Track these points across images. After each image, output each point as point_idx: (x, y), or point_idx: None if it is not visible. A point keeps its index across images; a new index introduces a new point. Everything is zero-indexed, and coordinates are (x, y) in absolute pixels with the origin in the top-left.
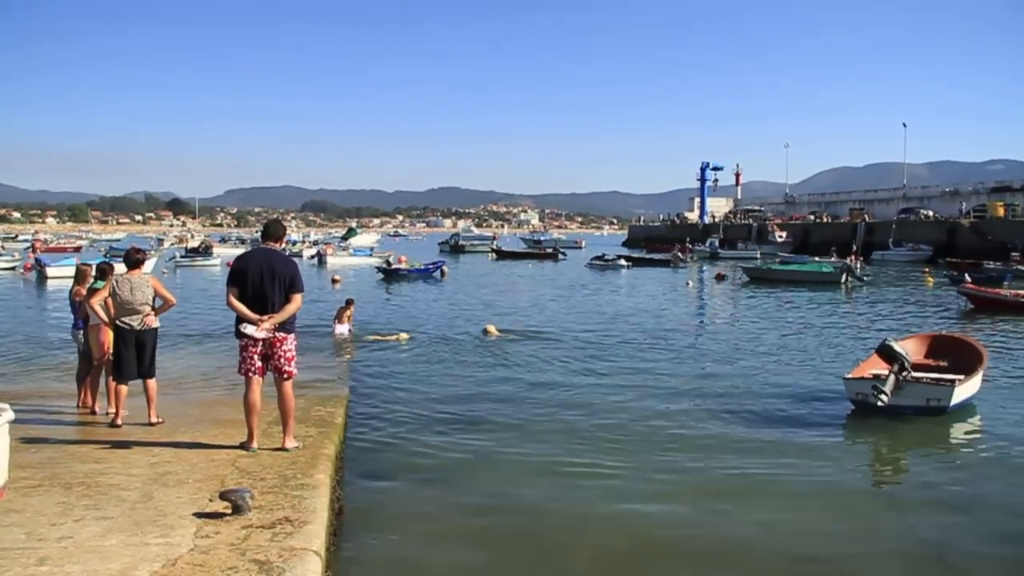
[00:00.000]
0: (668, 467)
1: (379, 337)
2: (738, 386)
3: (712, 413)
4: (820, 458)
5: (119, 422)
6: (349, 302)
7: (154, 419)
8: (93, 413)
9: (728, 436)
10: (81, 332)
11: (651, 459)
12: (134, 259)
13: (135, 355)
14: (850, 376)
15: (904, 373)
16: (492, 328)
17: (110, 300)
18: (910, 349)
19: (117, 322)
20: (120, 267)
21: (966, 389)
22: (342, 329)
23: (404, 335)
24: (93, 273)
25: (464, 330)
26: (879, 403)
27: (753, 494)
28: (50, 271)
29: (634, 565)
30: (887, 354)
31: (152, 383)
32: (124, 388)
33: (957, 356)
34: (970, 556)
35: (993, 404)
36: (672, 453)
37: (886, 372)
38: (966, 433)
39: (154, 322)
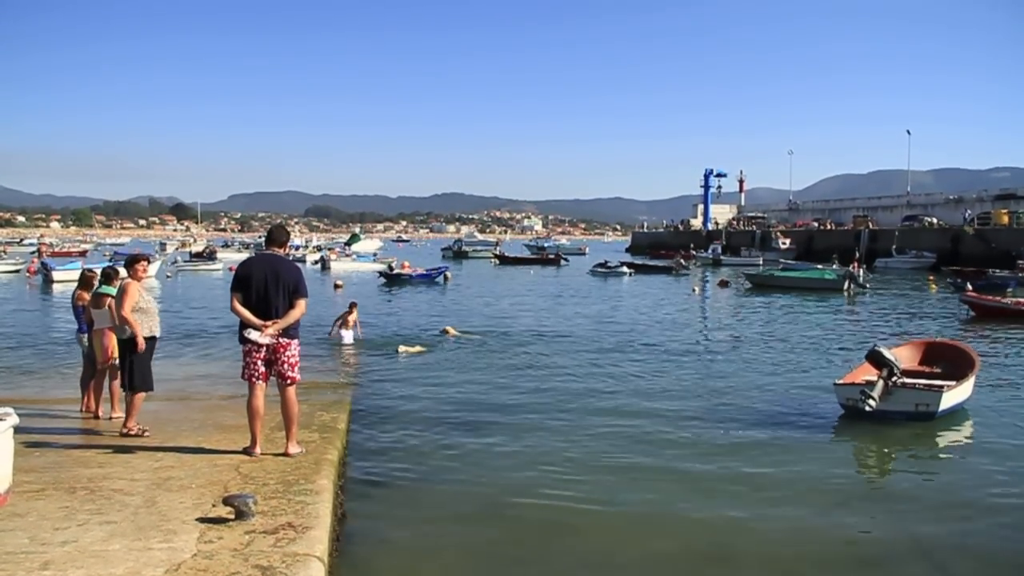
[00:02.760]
0: (663, 469)
1: (406, 349)
2: (735, 391)
3: (707, 417)
4: (804, 461)
5: (128, 429)
6: (352, 306)
7: (129, 428)
8: (96, 418)
9: (719, 439)
10: (85, 336)
11: (646, 462)
12: (126, 265)
13: (123, 365)
14: (841, 382)
15: (893, 379)
16: (451, 329)
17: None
18: (904, 355)
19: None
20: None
21: (955, 395)
22: (347, 334)
23: (419, 347)
24: (98, 278)
25: (467, 337)
26: (867, 408)
27: (739, 493)
28: (55, 275)
29: (637, 566)
30: (877, 360)
31: (138, 398)
32: (136, 396)
33: (950, 362)
34: (948, 558)
35: (985, 410)
36: (667, 454)
37: (877, 378)
38: (953, 438)
39: (124, 333)
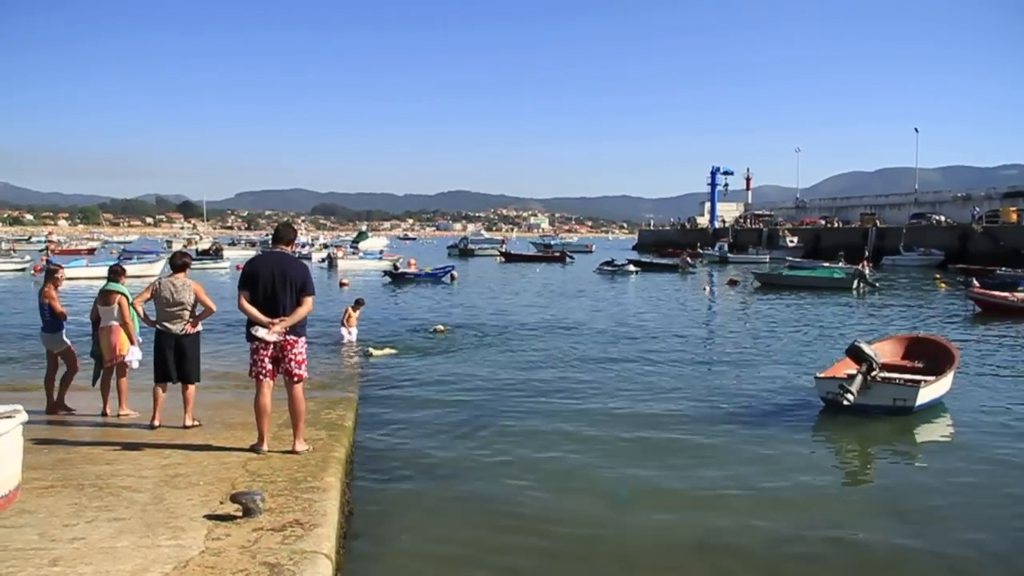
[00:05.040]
0: (657, 465)
1: (376, 352)
2: (732, 388)
3: (701, 413)
4: (779, 453)
5: (156, 423)
6: (359, 302)
7: (189, 422)
8: (104, 415)
9: (706, 434)
10: (56, 335)
11: (642, 462)
12: (179, 263)
13: (174, 359)
14: (821, 376)
15: (872, 373)
16: (440, 327)
17: (137, 304)
18: (886, 350)
19: (157, 325)
20: (134, 269)
21: (933, 390)
22: (350, 332)
23: (388, 349)
24: (105, 274)
25: (471, 334)
26: (845, 402)
27: (718, 486)
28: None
29: (640, 569)
30: (856, 355)
31: (191, 389)
32: (159, 391)
33: (932, 357)
34: (920, 550)
35: (964, 405)
36: (665, 452)
37: (856, 372)
38: (929, 433)
39: (195, 328)
